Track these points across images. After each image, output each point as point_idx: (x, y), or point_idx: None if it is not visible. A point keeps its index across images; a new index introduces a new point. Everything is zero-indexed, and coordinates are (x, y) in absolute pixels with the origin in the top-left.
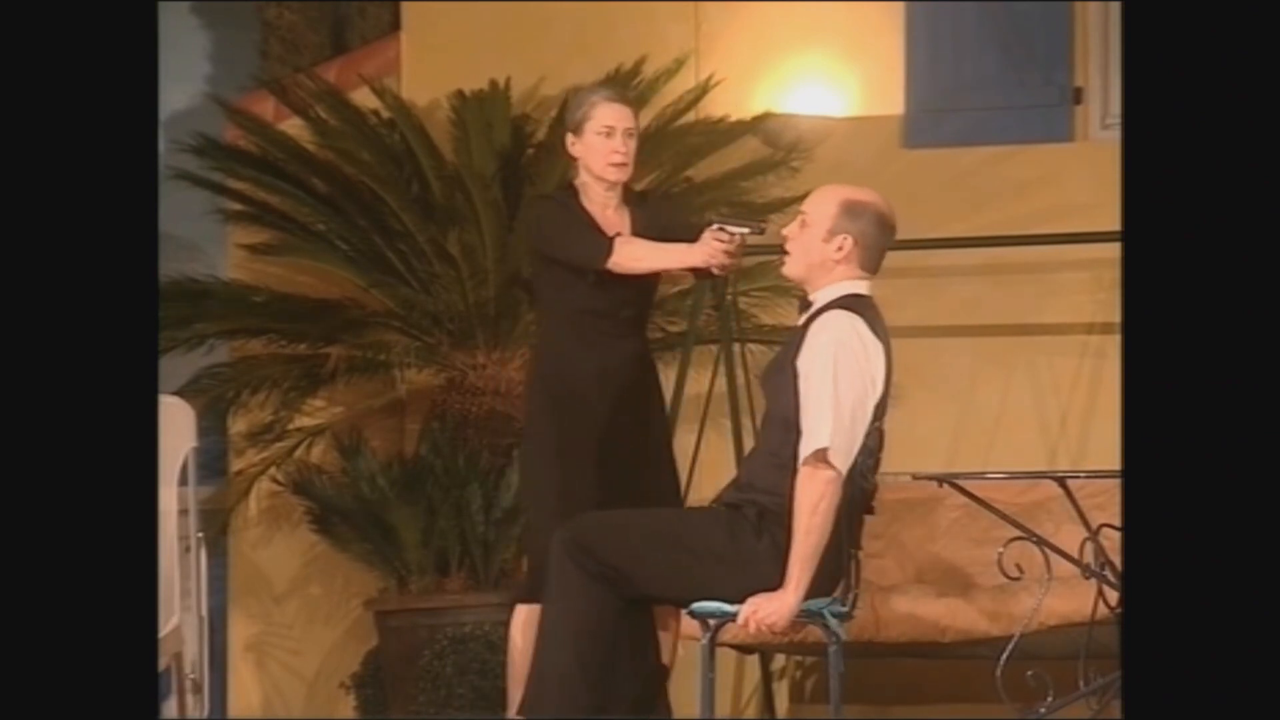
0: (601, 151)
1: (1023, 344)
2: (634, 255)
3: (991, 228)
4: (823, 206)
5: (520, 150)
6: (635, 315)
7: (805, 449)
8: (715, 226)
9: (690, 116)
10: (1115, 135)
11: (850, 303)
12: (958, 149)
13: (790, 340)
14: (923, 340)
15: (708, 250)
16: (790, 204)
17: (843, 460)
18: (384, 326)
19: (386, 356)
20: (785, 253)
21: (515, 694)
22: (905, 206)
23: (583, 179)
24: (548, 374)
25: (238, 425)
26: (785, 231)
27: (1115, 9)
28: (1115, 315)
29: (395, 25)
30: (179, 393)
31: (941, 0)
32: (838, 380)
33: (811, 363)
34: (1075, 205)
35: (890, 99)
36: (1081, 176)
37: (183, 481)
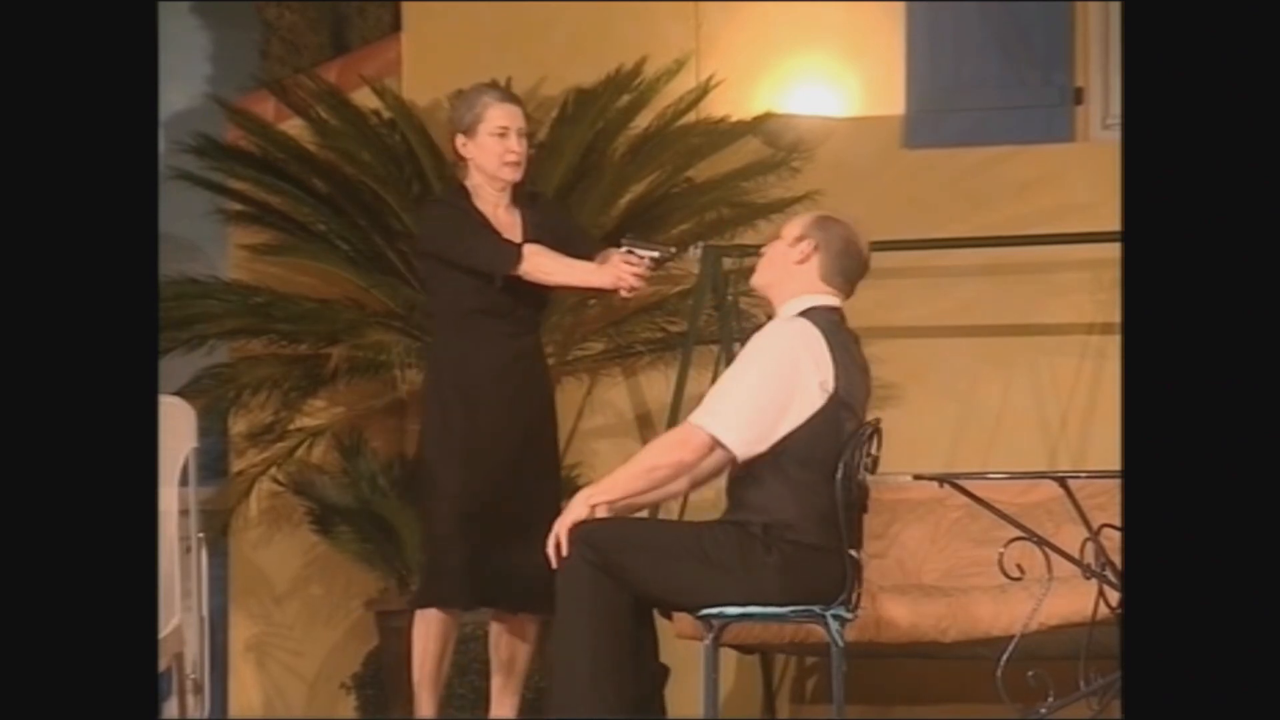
0: (496, 152)
1: (1023, 344)
2: (543, 268)
3: (992, 228)
4: (797, 220)
5: None
6: (530, 314)
7: (700, 419)
8: (625, 249)
9: (691, 117)
10: (1115, 135)
11: (808, 313)
12: (958, 149)
13: None
14: (923, 340)
15: (616, 272)
16: (791, 204)
17: (737, 449)
18: (384, 327)
19: (387, 357)
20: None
21: (424, 696)
22: (905, 207)
23: (474, 180)
24: (445, 374)
25: (238, 426)
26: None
27: (1115, 9)
28: (1116, 315)
29: (396, 25)
30: (179, 393)
31: (942, 0)
32: (757, 372)
33: (744, 351)
34: (1075, 205)
35: (890, 99)
36: (1082, 177)
37: (183, 482)
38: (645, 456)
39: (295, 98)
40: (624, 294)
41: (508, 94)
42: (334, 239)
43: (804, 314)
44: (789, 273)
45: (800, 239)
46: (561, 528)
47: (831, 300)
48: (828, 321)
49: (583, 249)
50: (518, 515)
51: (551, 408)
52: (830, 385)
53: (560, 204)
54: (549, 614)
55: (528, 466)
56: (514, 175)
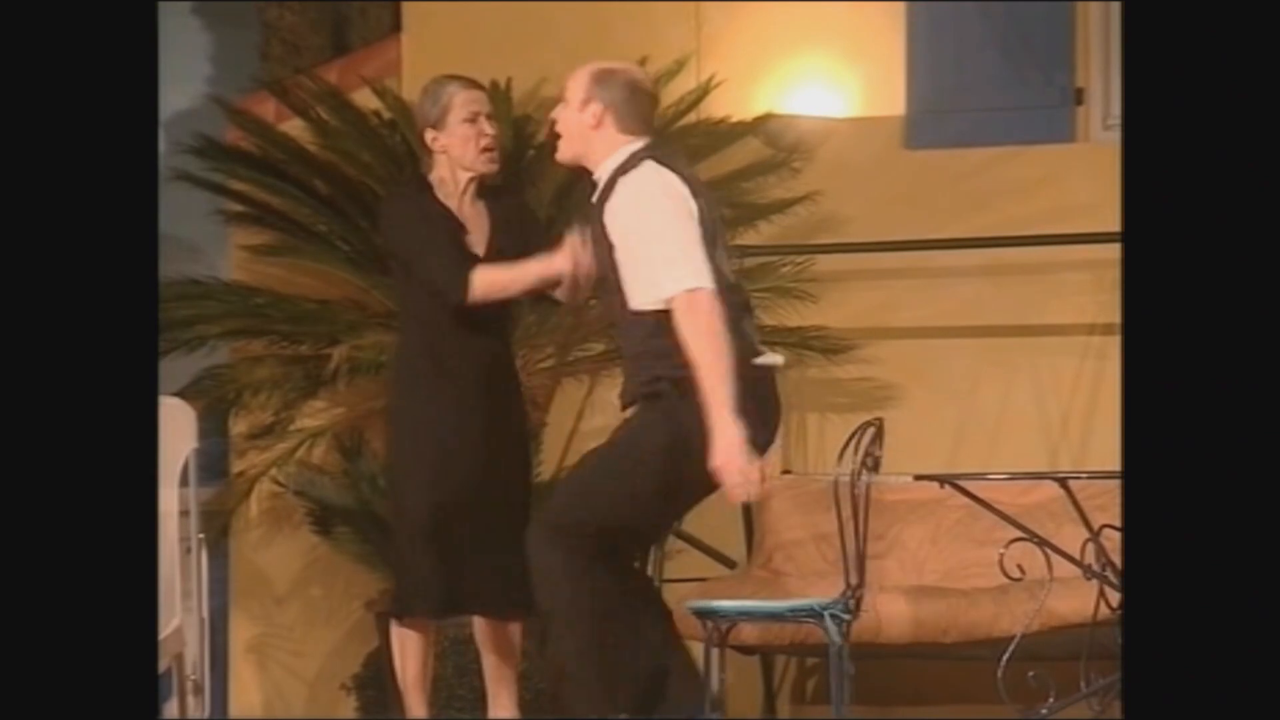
0: (470, 137)
1: (1024, 345)
2: (497, 285)
3: (993, 228)
4: (576, 81)
5: (521, 151)
6: (498, 312)
7: (674, 289)
8: (578, 233)
9: (691, 118)
10: (1116, 136)
11: (633, 160)
12: (959, 150)
13: (593, 231)
14: (924, 341)
15: (570, 253)
16: (791, 204)
17: (710, 282)
18: (385, 327)
19: (388, 357)
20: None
21: (413, 701)
22: (906, 207)
23: (440, 174)
24: (413, 374)
25: (239, 426)
26: (551, 115)
27: (1116, 9)
28: (1116, 316)
29: (396, 26)
30: (180, 394)
31: (943, 0)
32: (659, 223)
33: (626, 221)
34: (1076, 206)
35: (891, 100)
36: (1083, 177)
37: (183, 483)
38: (706, 337)
39: (296, 98)
40: (580, 280)
41: (472, 81)
42: (335, 240)
43: (631, 163)
44: (589, 139)
45: (587, 102)
46: (750, 466)
47: (640, 143)
48: (658, 152)
49: (546, 246)
50: (490, 518)
51: (521, 406)
52: (695, 208)
53: (523, 200)
54: (530, 615)
55: (499, 468)
56: (490, 165)
